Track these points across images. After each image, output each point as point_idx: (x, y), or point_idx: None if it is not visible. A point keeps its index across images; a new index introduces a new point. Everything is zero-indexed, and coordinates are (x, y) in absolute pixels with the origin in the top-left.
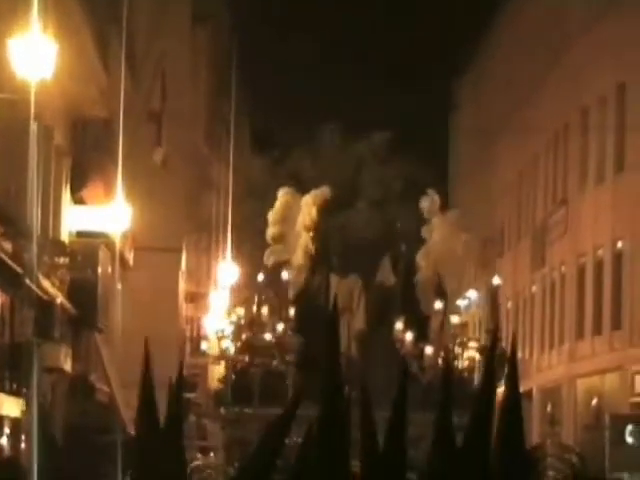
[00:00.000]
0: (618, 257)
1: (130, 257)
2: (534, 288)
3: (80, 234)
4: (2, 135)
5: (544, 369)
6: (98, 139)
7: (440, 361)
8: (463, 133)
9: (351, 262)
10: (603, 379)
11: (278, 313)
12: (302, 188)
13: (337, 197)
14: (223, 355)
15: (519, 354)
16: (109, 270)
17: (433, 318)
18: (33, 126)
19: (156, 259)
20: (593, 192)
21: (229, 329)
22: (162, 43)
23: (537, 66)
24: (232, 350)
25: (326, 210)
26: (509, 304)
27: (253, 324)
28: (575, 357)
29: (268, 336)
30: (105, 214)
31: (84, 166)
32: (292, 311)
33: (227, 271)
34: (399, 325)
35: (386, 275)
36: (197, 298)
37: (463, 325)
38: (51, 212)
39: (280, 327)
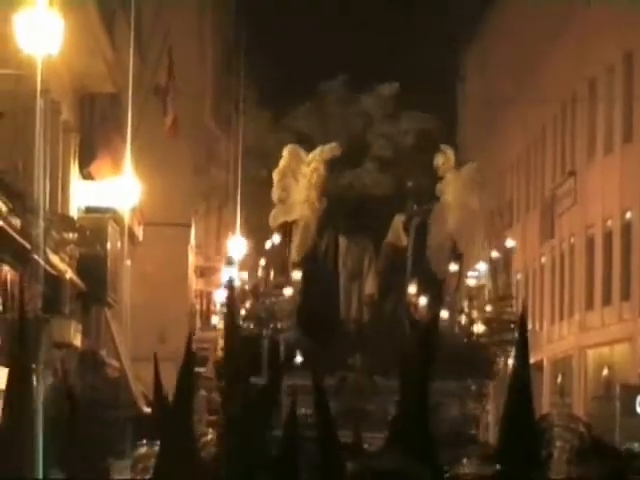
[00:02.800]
0: (627, 227)
1: (139, 232)
2: (543, 259)
3: (89, 209)
4: (9, 111)
5: (554, 340)
6: (106, 114)
7: (457, 326)
8: (470, 105)
9: (361, 223)
10: (613, 350)
11: (285, 277)
12: (308, 146)
13: (345, 154)
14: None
15: (529, 325)
16: (118, 245)
17: (448, 281)
18: (40, 102)
19: (165, 234)
20: (601, 163)
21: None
22: (169, 18)
23: (543, 37)
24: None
25: (334, 168)
26: (518, 276)
27: (257, 290)
28: (585, 328)
29: (271, 300)
30: (114, 189)
31: (92, 141)
32: (297, 275)
33: (236, 245)
34: (412, 289)
35: (397, 236)
36: (207, 272)
37: (480, 287)
38: (59, 188)
39: (287, 292)
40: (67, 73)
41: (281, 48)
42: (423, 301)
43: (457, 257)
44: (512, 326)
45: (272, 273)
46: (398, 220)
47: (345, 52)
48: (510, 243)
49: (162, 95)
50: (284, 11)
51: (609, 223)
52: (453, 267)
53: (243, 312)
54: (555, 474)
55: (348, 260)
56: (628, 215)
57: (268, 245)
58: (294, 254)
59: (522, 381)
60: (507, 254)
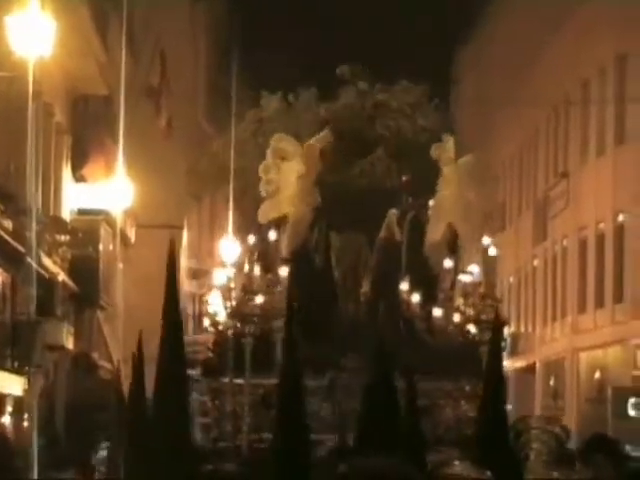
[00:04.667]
0: (620, 230)
1: (131, 234)
2: (536, 262)
3: (81, 212)
4: (2, 113)
5: (547, 343)
6: (98, 116)
7: (451, 324)
8: (463, 106)
9: (355, 218)
10: (606, 352)
11: (273, 274)
12: (302, 136)
13: (344, 147)
14: (213, 321)
15: (522, 328)
16: (110, 247)
17: (442, 277)
18: (32, 104)
19: (157, 236)
20: (594, 165)
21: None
22: (161, 19)
23: (537, 38)
24: (222, 315)
25: (329, 160)
26: (511, 278)
27: (244, 287)
28: (578, 330)
29: (260, 299)
30: (106, 191)
31: (85, 143)
32: (284, 271)
33: (229, 247)
34: (404, 285)
35: (391, 231)
36: (199, 275)
37: (475, 285)
38: (52, 190)
39: (276, 290)
40: (59, 75)
41: (278, 43)
42: (416, 298)
43: (453, 252)
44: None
45: (259, 270)
46: (392, 215)
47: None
48: (486, 241)
49: (155, 96)
50: (279, 8)
51: (602, 225)
52: (448, 263)
53: (229, 310)
54: (532, 476)
55: (341, 256)
56: (620, 217)
57: (251, 240)
58: (284, 250)
59: (496, 383)
60: (484, 253)
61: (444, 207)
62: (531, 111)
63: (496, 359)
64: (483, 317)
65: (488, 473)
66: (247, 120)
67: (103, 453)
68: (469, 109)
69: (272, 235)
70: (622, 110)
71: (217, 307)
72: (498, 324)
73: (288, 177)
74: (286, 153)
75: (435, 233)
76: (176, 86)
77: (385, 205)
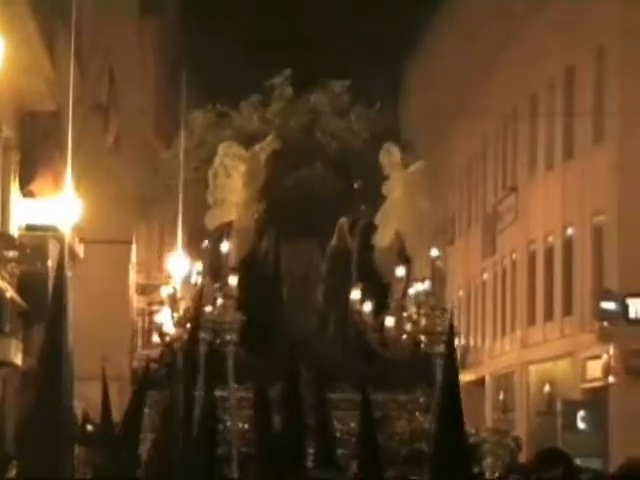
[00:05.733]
0: (568, 243)
1: (80, 250)
2: (485, 275)
3: (30, 227)
4: None
5: (496, 356)
6: (47, 132)
7: (404, 334)
8: (412, 118)
9: (306, 226)
10: (555, 365)
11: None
12: (251, 144)
13: (290, 153)
14: (160, 332)
15: (471, 341)
16: None
17: (394, 286)
18: None
19: (106, 251)
20: (542, 179)
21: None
22: (109, 35)
23: (487, 51)
24: (169, 327)
25: (276, 167)
26: (461, 292)
27: (194, 297)
28: (527, 344)
29: (209, 309)
30: (55, 207)
31: (33, 159)
32: (233, 280)
33: (178, 263)
34: (356, 294)
35: (343, 239)
36: (148, 290)
37: (428, 294)
38: None
39: (219, 299)
40: (7, 91)
41: (222, 54)
42: (368, 307)
43: (405, 261)
44: (443, 338)
45: (208, 280)
46: (343, 222)
47: (288, 52)
48: (434, 252)
49: (103, 112)
50: (228, 14)
51: (550, 239)
52: (400, 271)
53: (176, 319)
54: None
55: (292, 266)
56: (569, 231)
57: (204, 245)
58: (231, 259)
59: (451, 397)
60: (434, 263)
61: (392, 213)
62: (480, 124)
63: (452, 371)
64: (437, 329)
65: None
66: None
67: None
68: (417, 121)
69: (224, 247)
70: (570, 124)
71: (164, 318)
72: (452, 336)
73: (236, 184)
74: (234, 160)
75: (383, 240)
76: (125, 102)
77: (338, 212)
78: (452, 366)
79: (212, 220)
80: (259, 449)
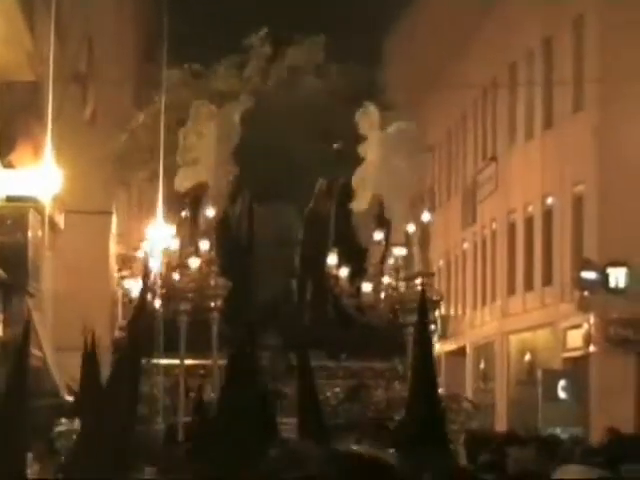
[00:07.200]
0: (548, 213)
1: (60, 220)
2: (465, 245)
3: (9, 198)
4: None
5: (477, 326)
6: (26, 103)
7: (381, 300)
8: (390, 89)
9: (282, 189)
10: (535, 335)
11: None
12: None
13: (266, 113)
14: (129, 299)
15: (452, 311)
16: (39, 234)
17: (372, 251)
18: None
19: (86, 222)
20: (522, 148)
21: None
22: (88, 4)
23: (466, 21)
24: (135, 292)
25: (252, 128)
26: (440, 262)
27: (168, 265)
28: (507, 313)
29: (176, 275)
30: (34, 178)
31: (11, 130)
32: (204, 245)
33: (158, 232)
34: (332, 259)
35: (321, 203)
36: (128, 261)
37: (408, 258)
38: None
39: (194, 263)
40: None
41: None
42: (344, 272)
43: (383, 224)
44: (433, 305)
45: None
46: (321, 185)
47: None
48: (426, 217)
49: (82, 82)
50: None
51: (530, 209)
52: (378, 235)
53: (158, 289)
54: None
55: (268, 229)
56: (549, 200)
57: (184, 214)
58: (202, 223)
59: (424, 365)
60: (424, 228)
61: (369, 175)
62: (459, 94)
63: (426, 336)
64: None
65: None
66: (154, 100)
67: (62, 427)
68: (396, 92)
69: (210, 212)
70: (549, 94)
71: (131, 284)
72: (423, 305)
73: (207, 144)
74: (206, 119)
75: (361, 203)
76: (104, 72)
77: (316, 174)
78: (424, 331)
79: (182, 181)
80: (219, 418)
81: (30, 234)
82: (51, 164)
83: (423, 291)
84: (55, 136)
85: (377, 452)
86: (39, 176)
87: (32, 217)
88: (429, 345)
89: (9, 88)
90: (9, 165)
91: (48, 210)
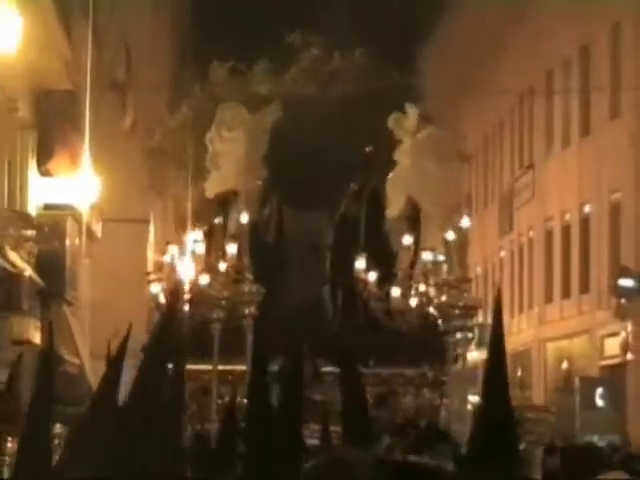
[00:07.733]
0: (585, 221)
1: (98, 229)
2: (502, 253)
3: (47, 206)
4: None
5: (514, 333)
6: (63, 111)
7: (411, 305)
8: (427, 96)
9: (313, 193)
10: (572, 342)
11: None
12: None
13: (299, 116)
14: (156, 303)
15: (488, 320)
16: (77, 242)
17: (401, 255)
18: None
19: (124, 230)
20: (559, 156)
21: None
22: (125, 12)
23: (502, 28)
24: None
25: (283, 130)
26: (478, 269)
27: (201, 272)
28: (544, 321)
29: (205, 279)
30: (72, 186)
31: (50, 138)
32: (232, 249)
33: (192, 240)
34: (361, 263)
35: (351, 207)
36: (159, 266)
37: (437, 264)
38: (17, 185)
39: (222, 267)
40: (24, 70)
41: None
42: (373, 277)
43: (412, 229)
44: (471, 312)
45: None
46: (352, 189)
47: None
48: (466, 222)
49: (120, 90)
50: None
51: (567, 216)
52: (407, 240)
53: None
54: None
55: (299, 233)
56: (586, 208)
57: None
58: (231, 227)
59: (498, 373)
60: (463, 235)
61: (402, 179)
62: (496, 102)
63: (498, 352)
64: (462, 303)
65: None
66: (194, 94)
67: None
68: (432, 100)
69: (244, 218)
70: (586, 101)
71: (157, 289)
72: (498, 306)
73: (234, 149)
74: (232, 123)
75: (394, 207)
76: (141, 79)
77: (348, 179)
78: (499, 337)
79: (211, 187)
80: (249, 425)
81: (68, 242)
82: (88, 172)
83: (499, 290)
84: (93, 144)
85: (432, 462)
86: (76, 184)
87: (70, 225)
88: (503, 351)
89: (47, 97)
90: (47, 173)
91: (85, 218)
